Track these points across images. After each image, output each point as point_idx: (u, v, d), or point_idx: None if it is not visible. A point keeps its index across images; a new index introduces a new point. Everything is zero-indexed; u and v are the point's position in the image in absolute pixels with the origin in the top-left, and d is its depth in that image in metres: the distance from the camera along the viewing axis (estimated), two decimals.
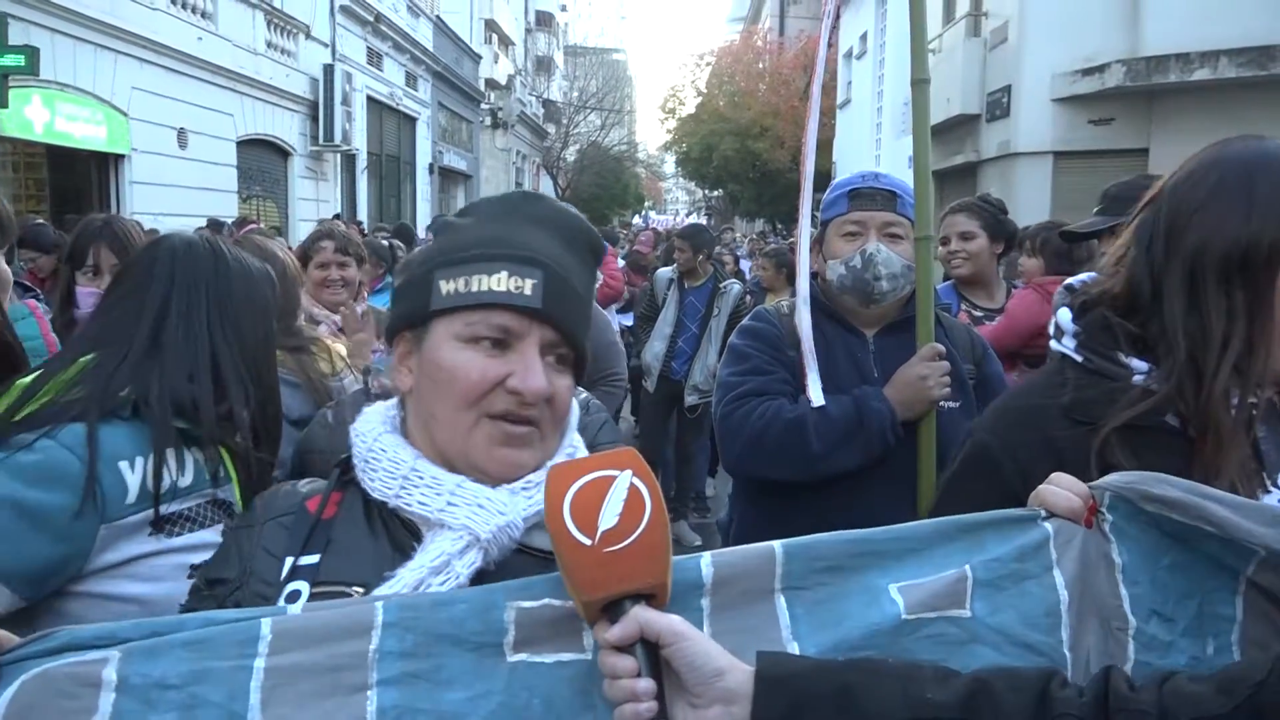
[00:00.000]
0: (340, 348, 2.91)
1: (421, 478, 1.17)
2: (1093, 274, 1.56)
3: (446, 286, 1.17)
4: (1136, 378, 1.34)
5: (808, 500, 2.32)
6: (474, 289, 1.15)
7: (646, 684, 0.96)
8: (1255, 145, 1.35)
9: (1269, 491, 1.31)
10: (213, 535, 1.61)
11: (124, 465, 1.54)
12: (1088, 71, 12.83)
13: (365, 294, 4.00)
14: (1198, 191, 1.33)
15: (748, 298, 7.32)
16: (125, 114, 12.81)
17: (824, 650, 1.05)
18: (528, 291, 1.15)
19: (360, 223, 16.95)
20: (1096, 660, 1.08)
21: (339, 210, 19.51)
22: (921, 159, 2.33)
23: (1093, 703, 0.96)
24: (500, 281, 1.15)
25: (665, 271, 7.24)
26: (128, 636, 0.97)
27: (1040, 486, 1.16)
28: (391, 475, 1.18)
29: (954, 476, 1.53)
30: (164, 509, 1.58)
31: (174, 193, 13.68)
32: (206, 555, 1.53)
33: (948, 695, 0.97)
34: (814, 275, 2.63)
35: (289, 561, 1.17)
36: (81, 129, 12.01)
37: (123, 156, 12.97)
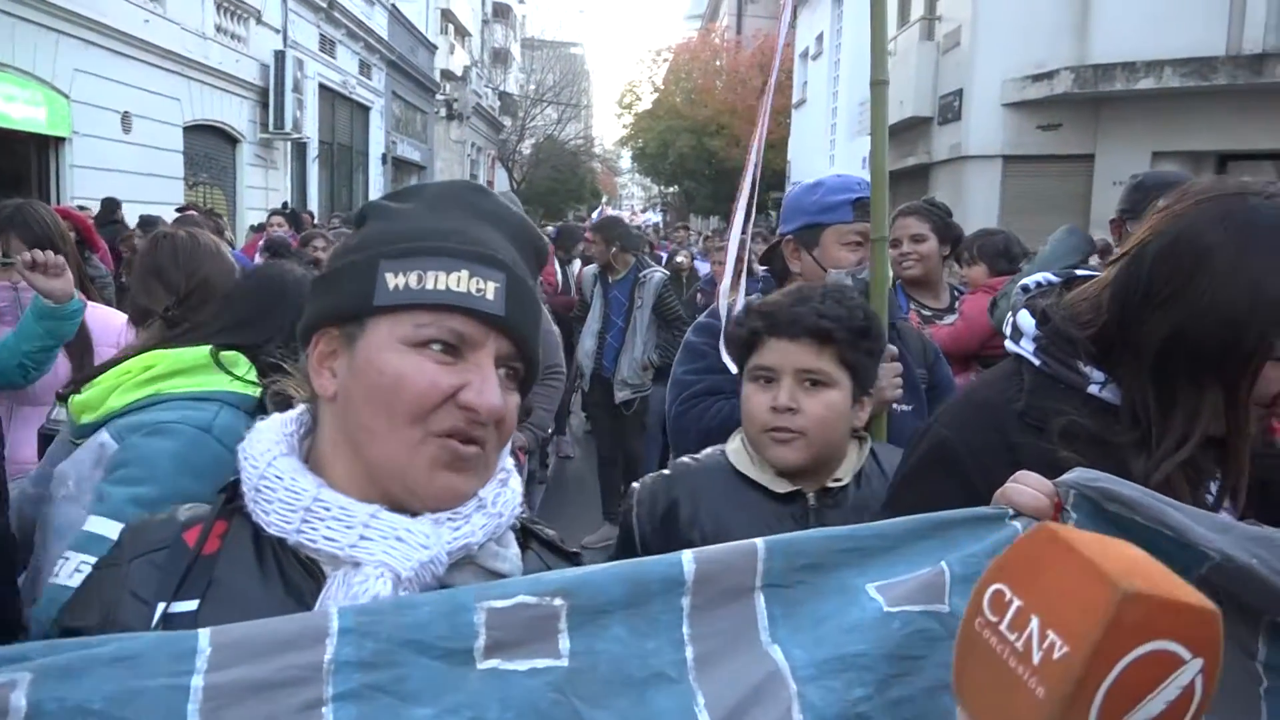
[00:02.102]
0: None
1: (328, 509, 1.00)
2: (1046, 276, 1.56)
3: (395, 280, 1.00)
4: (1092, 387, 1.35)
5: None
6: (429, 286, 1.00)
7: None
8: (1245, 216, 1.25)
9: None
10: None
11: None
12: (1037, 78, 13.05)
13: None
14: (1180, 269, 1.26)
15: (700, 297, 7.29)
16: (67, 96, 12.45)
17: (807, 646, 1.02)
18: (490, 296, 1.01)
19: (310, 212, 16.70)
20: None
21: (288, 200, 19.19)
22: (879, 160, 2.33)
23: None
24: (460, 281, 1.00)
25: (591, 268, 7.05)
26: (40, 657, 0.84)
27: (1006, 485, 1.14)
28: (290, 506, 1.01)
29: (913, 471, 1.52)
30: None
31: (117, 178, 13.32)
32: None
33: None
34: (797, 274, 2.59)
35: (160, 608, 0.98)
36: (20, 110, 11.62)
37: (63, 139, 12.60)
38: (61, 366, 2.88)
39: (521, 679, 0.92)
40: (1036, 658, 0.73)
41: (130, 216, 10.24)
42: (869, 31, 2.33)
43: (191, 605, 0.99)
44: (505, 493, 1.09)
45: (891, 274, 2.42)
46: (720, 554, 1.03)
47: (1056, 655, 0.71)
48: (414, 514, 1.02)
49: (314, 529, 1.00)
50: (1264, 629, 1.10)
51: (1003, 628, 0.77)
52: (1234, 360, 1.24)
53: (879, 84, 2.33)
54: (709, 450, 2.03)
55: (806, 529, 1.78)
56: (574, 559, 1.21)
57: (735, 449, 1.95)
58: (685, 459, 2.05)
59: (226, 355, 1.92)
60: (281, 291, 2.02)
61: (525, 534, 1.19)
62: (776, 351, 1.85)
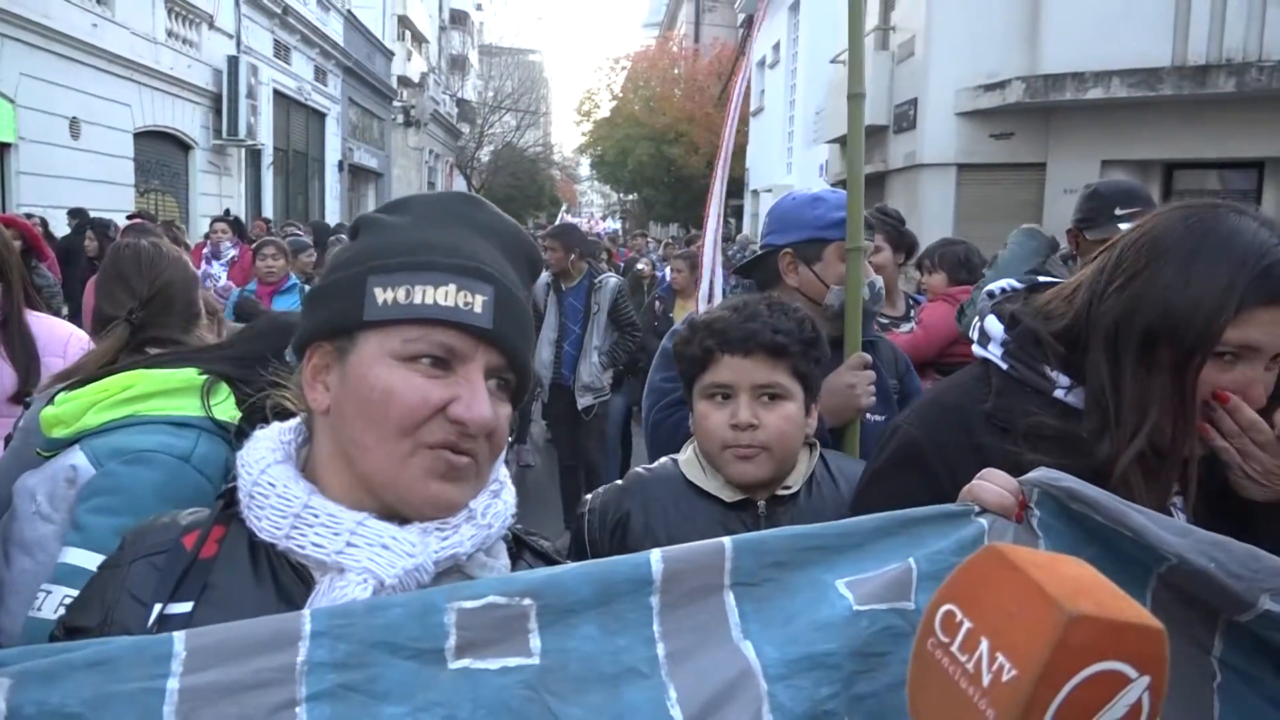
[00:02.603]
0: None
1: (316, 515, 1.02)
2: (1010, 282, 1.60)
3: (383, 295, 1.01)
4: (1058, 391, 1.39)
5: None
6: (416, 301, 1.01)
7: None
8: (1207, 222, 1.33)
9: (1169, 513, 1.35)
10: None
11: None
12: (990, 87, 13.24)
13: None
14: (1140, 257, 1.34)
15: (658, 304, 7.28)
16: (13, 101, 12.19)
17: (778, 643, 1.03)
18: (478, 309, 1.02)
19: (268, 220, 16.49)
20: None
21: (240, 207, 18.93)
22: (855, 170, 2.37)
23: None
24: (448, 295, 1.01)
25: (543, 277, 6.87)
26: (17, 662, 0.86)
27: (973, 482, 1.17)
28: (281, 513, 1.03)
29: (882, 469, 1.55)
30: None
31: (65, 184, 13.06)
32: None
33: None
34: (793, 287, 2.52)
35: (156, 609, 1.01)
36: None
37: (9, 145, 12.33)
38: (6, 377, 2.81)
39: (493, 677, 0.93)
40: (986, 680, 0.74)
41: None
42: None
43: (186, 607, 1.02)
44: (496, 504, 1.10)
45: (884, 294, 2.42)
46: (687, 553, 1.05)
47: (1005, 678, 0.73)
48: (406, 522, 1.03)
49: (303, 535, 1.02)
50: (1221, 626, 1.12)
51: (954, 649, 0.79)
52: (1177, 353, 1.29)
53: (855, 97, 2.37)
54: (662, 460, 2.04)
55: None
56: None
57: (687, 459, 1.96)
58: (638, 469, 2.06)
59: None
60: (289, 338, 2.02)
61: (518, 544, 1.20)
62: (731, 368, 1.85)
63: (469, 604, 0.95)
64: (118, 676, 0.85)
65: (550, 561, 1.21)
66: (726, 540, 1.07)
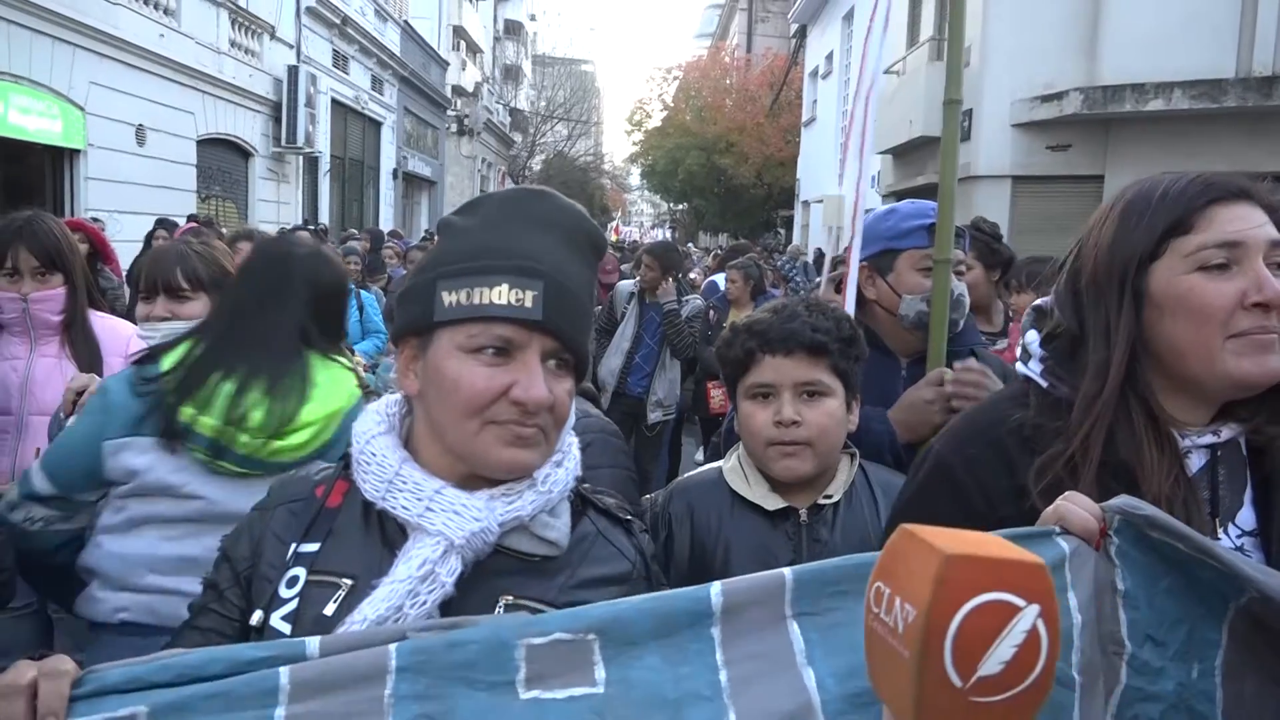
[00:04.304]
0: None
1: (405, 482, 1.22)
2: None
3: (449, 298, 1.20)
4: None
5: None
6: (475, 301, 1.18)
7: None
8: (1153, 179, 1.40)
9: (1217, 539, 1.30)
10: None
11: None
12: (1046, 98, 13.05)
13: None
14: (1090, 228, 1.42)
15: (712, 313, 7.27)
16: (82, 109, 12.56)
17: (840, 674, 1.04)
18: (528, 304, 1.18)
19: (324, 226, 16.79)
20: (1104, 683, 1.08)
21: (297, 213, 19.30)
22: (948, 180, 2.32)
23: None
24: (501, 294, 1.18)
25: (626, 284, 6.99)
26: (152, 679, 0.97)
27: (1058, 502, 1.14)
28: (379, 477, 1.23)
29: (915, 491, 1.52)
30: None
31: (131, 190, 13.43)
32: None
33: None
34: (872, 299, 2.49)
35: (292, 547, 1.25)
36: (35, 122, 11.72)
37: (78, 151, 12.70)
38: (71, 375, 2.89)
39: (561, 706, 1.01)
40: (900, 628, 0.83)
41: (143, 229, 10.29)
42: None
43: (314, 547, 1.24)
44: (556, 473, 1.27)
45: (967, 302, 2.39)
46: (747, 585, 1.08)
47: (910, 620, 0.82)
48: (489, 485, 1.22)
49: (395, 497, 1.22)
50: None
51: (883, 616, 0.86)
52: (1123, 274, 1.34)
53: (952, 103, 2.35)
54: (708, 466, 2.07)
55: (799, 546, 1.83)
56: (626, 526, 1.36)
57: (731, 467, 1.99)
58: (684, 477, 2.10)
59: None
60: None
61: (583, 502, 1.35)
62: (773, 368, 1.90)
63: (537, 640, 1.02)
64: (235, 706, 0.96)
65: (611, 517, 1.36)
66: (787, 571, 1.09)
